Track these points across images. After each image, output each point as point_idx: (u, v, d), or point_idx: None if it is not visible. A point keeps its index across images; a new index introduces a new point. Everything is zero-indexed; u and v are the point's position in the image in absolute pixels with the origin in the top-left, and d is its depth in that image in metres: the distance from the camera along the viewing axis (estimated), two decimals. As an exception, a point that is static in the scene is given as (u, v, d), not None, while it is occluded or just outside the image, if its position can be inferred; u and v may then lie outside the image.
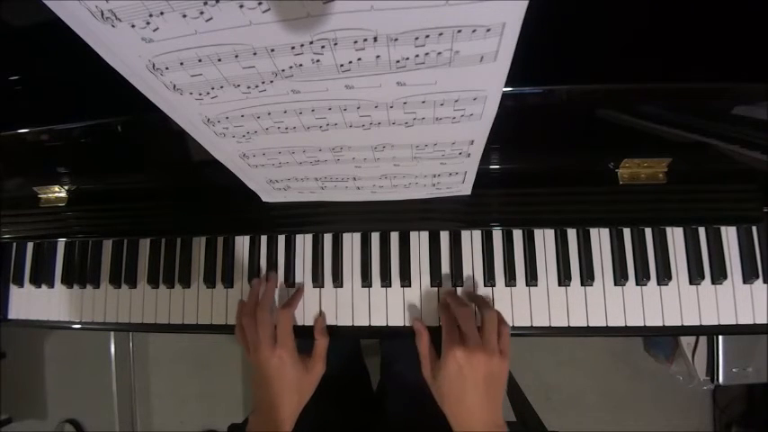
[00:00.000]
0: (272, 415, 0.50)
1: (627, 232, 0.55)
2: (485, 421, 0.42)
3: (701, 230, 0.54)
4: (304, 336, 0.56)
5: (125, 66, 0.28)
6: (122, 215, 0.60)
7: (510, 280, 0.55)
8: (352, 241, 0.58)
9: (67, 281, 0.66)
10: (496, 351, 0.45)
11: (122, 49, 0.27)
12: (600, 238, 0.55)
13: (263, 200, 0.52)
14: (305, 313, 0.58)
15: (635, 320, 0.53)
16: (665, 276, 0.53)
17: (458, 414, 0.44)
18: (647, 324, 0.53)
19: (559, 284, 0.54)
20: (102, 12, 0.24)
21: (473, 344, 0.44)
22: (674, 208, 0.51)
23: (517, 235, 0.56)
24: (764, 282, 0.53)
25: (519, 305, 0.55)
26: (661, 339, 1.17)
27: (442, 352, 0.47)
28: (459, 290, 0.56)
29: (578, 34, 0.39)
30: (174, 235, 0.62)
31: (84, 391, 1.49)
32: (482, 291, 0.55)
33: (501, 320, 0.49)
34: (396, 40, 0.25)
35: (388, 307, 0.56)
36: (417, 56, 0.27)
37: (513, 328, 0.54)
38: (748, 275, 0.53)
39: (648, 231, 0.54)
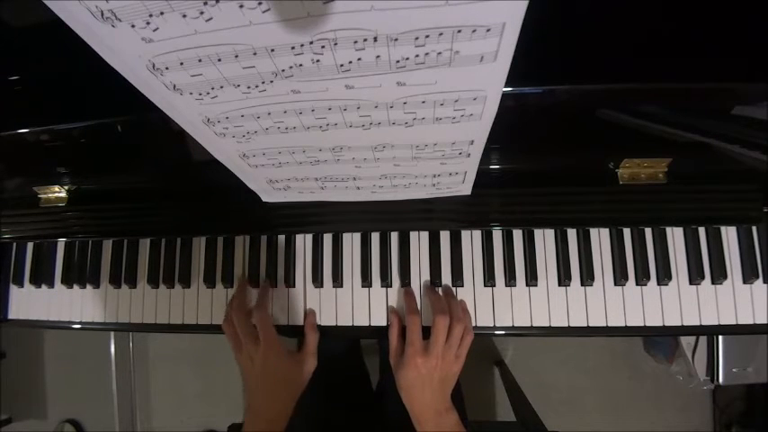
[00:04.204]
0: (264, 412, 0.51)
1: (627, 232, 0.55)
2: (436, 409, 0.49)
3: (701, 230, 0.54)
4: (301, 335, 0.56)
5: (125, 66, 0.28)
6: (122, 215, 0.60)
7: (510, 280, 0.55)
8: (352, 241, 0.58)
9: (67, 281, 0.66)
10: (452, 357, 0.50)
11: (122, 49, 0.27)
12: (600, 238, 0.55)
13: (263, 200, 0.52)
14: (305, 313, 0.58)
15: (635, 320, 0.53)
16: (664, 276, 0.53)
17: (413, 404, 0.49)
18: (647, 324, 0.53)
19: (559, 284, 0.54)
20: (102, 12, 0.24)
21: (434, 353, 0.49)
22: (674, 208, 0.51)
23: (517, 235, 0.56)
24: (764, 282, 0.53)
25: (519, 305, 0.55)
26: (661, 339, 1.17)
27: (405, 354, 0.50)
28: (439, 289, 0.56)
29: (578, 34, 0.39)
30: (174, 235, 0.62)
31: (84, 391, 1.49)
32: (482, 291, 0.56)
33: (467, 330, 0.52)
34: (396, 40, 0.25)
35: (387, 307, 0.56)
36: (417, 56, 0.27)
37: (513, 328, 0.54)
38: (748, 275, 0.53)
39: (648, 231, 0.54)
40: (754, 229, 0.53)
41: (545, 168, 0.52)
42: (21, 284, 0.68)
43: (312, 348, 0.55)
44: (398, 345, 0.52)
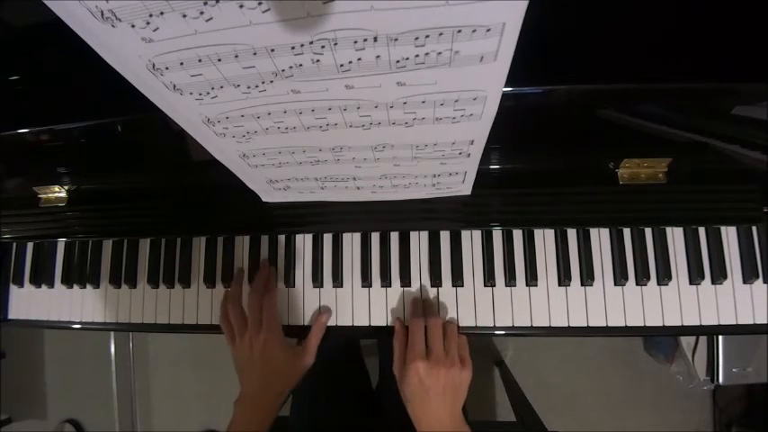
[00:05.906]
0: (256, 400, 0.50)
1: (627, 232, 0.55)
2: (445, 423, 0.46)
3: (701, 230, 0.54)
4: (301, 336, 0.56)
5: (125, 66, 0.28)
6: (122, 215, 0.60)
7: (510, 280, 0.55)
8: (352, 241, 0.58)
9: (67, 281, 0.66)
10: (457, 362, 0.48)
11: (122, 49, 0.27)
12: (600, 238, 0.55)
13: (263, 200, 0.52)
14: (305, 313, 0.58)
15: (635, 320, 0.53)
16: (665, 276, 0.53)
17: (420, 417, 0.47)
18: (647, 324, 0.53)
19: (559, 284, 0.54)
20: (102, 12, 0.24)
21: (434, 358, 0.47)
22: (674, 208, 0.51)
23: (517, 235, 0.56)
24: (764, 282, 0.53)
25: (519, 305, 0.55)
26: (661, 339, 1.17)
27: (406, 363, 0.49)
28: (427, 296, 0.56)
29: (578, 34, 0.39)
30: (174, 235, 0.62)
31: (84, 391, 1.49)
32: (482, 291, 0.55)
33: (458, 332, 0.52)
34: (396, 40, 0.25)
35: (387, 307, 0.56)
36: (417, 56, 0.27)
37: (513, 328, 0.54)
38: (748, 275, 0.53)
39: (648, 231, 0.54)
40: (754, 229, 0.53)
41: (545, 168, 0.52)
42: (21, 284, 0.68)
43: (314, 344, 0.55)
44: (401, 353, 0.51)
